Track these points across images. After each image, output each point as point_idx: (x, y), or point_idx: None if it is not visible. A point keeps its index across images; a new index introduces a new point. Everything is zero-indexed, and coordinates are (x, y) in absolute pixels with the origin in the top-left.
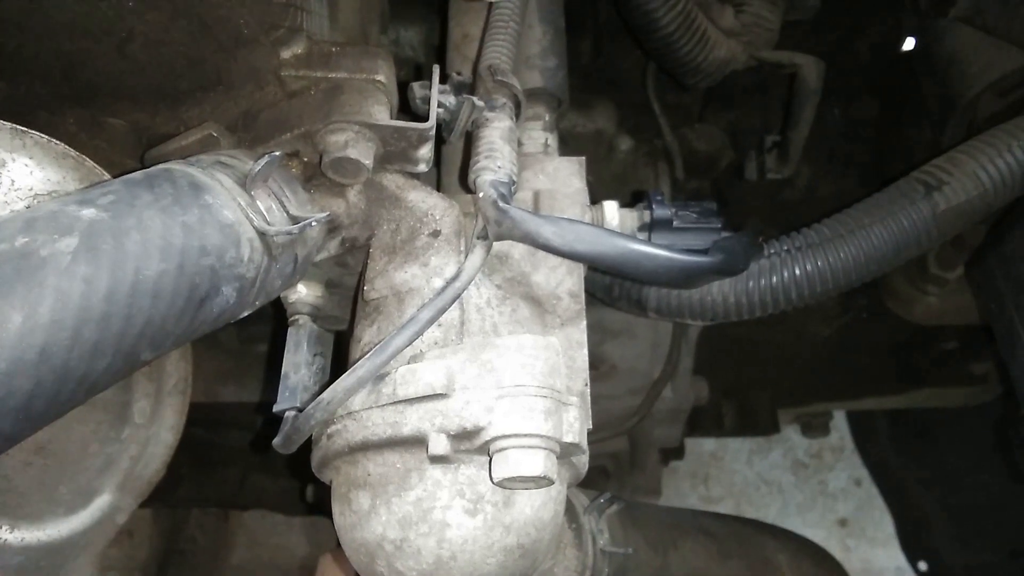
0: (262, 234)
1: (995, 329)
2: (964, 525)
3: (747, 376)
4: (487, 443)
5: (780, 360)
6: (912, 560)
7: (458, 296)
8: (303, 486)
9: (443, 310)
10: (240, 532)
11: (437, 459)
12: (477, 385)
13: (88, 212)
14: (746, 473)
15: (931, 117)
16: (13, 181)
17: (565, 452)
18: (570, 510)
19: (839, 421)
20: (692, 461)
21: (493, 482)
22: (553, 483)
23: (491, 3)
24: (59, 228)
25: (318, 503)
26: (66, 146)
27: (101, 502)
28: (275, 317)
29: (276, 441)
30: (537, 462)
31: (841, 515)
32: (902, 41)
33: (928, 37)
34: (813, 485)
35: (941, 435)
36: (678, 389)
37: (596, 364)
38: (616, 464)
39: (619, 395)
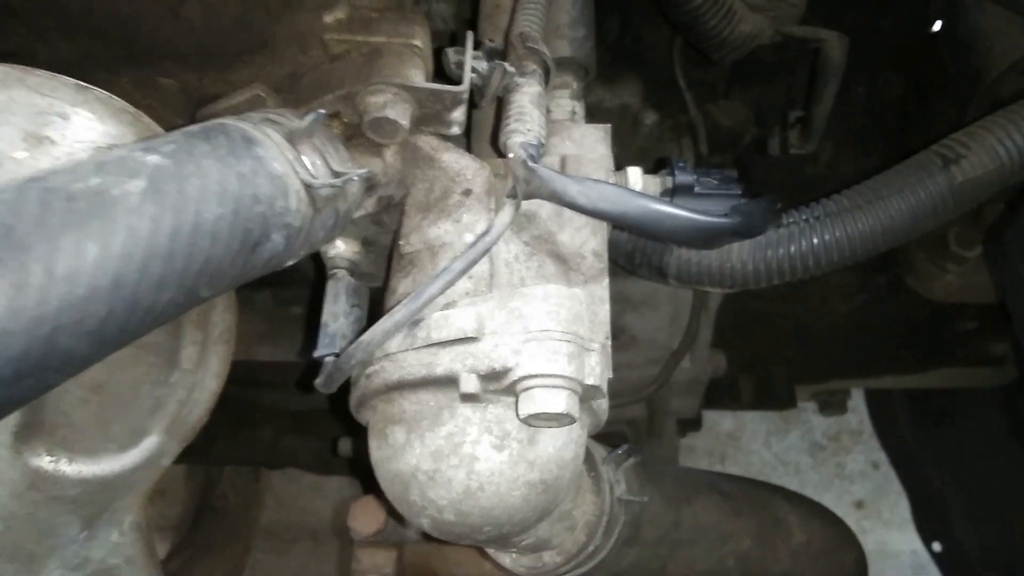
0: (308, 186)
1: (1010, 303)
2: (979, 507)
3: (765, 351)
4: (514, 383)
5: (798, 336)
6: (927, 541)
7: (488, 249)
8: (334, 442)
9: (474, 262)
10: (269, 494)
11: (467, 397)
12: (505, 330)
13: (153, 158)
14: (763, 454)
15: (955, 96)
16: (76, 134)
17: (587, 394)
18: (589, 459)
19: (858, 403)
20: (709, 440)
21: (519, 419)
22: (575, 421)
23: None
24: (128, 171)
25: (355, 456)
26: (125, 102)
27: (149, 443)
28: (311, 282)
29: (318, 381)
30: (560, 400)
31: (857, 497)
32: (930, 21)
33: (954, 15)
34: (830, 467)
35: (960, 417)
36: (696, 360)
37: (616, 334)
38: (634, 431)
39: (638, 364)
